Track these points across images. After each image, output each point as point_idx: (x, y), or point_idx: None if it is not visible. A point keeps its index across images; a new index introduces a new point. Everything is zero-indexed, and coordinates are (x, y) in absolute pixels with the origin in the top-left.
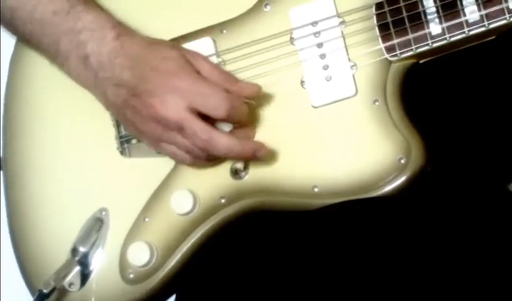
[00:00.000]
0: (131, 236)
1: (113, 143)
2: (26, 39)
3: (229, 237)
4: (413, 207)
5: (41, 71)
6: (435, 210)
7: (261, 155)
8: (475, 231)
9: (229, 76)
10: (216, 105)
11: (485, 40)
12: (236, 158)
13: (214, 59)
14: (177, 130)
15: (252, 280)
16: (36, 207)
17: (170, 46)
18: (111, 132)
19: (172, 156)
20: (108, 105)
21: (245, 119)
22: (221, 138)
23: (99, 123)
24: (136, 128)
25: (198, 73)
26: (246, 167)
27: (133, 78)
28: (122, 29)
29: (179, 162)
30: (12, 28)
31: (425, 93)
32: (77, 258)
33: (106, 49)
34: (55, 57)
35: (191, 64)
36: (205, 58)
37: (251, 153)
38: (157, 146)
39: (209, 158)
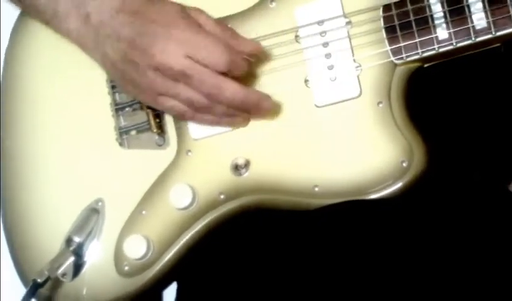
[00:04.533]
0: (127, 228)
1: (112, 134)
2: (20, 2)
3: (227, 234)
4: (413, 208)
5: (39, 59)
6: (436, 211)
7: (266, 107)
8: (475, 232)
9: (231, 31)
10: (216, 57)
11: (491, 47)
12: (239, 107)
13: None
14: (182, 79)
15: (250, 277)
16: (30, 196)
17: (172, 1)
18: (110, 122)
19: (172, 111)
20: (107, 64)
21: (243, 75)
22: (229, 83)
23: (98, 114)
24: (134, 84)
25: (200, 26)
26: (247, 164)
27: (132, 31)
28: None
29: (179, 117)
30: None
31: (428, 96)
32: (72, 248)
33: (107, 6)
34: (52, 18)
35: (192, 17)
36: (207, 14)
37: (256, 102)
38: (156, 101)
39: (209, 110)
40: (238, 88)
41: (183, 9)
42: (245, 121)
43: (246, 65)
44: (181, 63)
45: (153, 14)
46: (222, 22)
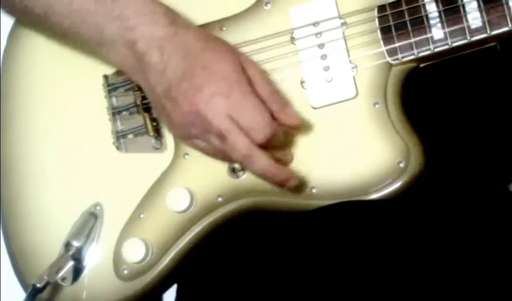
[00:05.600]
0: (126, 232)
1: (109, 138)
2: (63, 34)
3: (226, 236)
4: (412, 208)
5: (36, 64)
6: (435, 211)
7: (292, 185)
8: (475, 232)
9: (279, 98)
10: (258, 129)
11: (487, 46)
12: (266, 179)
13: None
14: (217, 136)
15: (249, 279)
16: (28, 200)
17: (226, 48)
18: (107, 126)
19: (202, 151)
20: (148, 89)
21: (278, 146)
22: (260, 159)
23: (95, 118)
24: (170, 117)
25: (250, 81)
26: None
27: (180, 68)
28: (175, 17)
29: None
30: (47, 26)
31: (424, 96)
32: (71, 253)
33: (158, 35)
34: (98, 46)
35: (244, 71)
36: (258, 68)
37: (283, 180)
38: (187, 141)
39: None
40: (268, 165)
41: (236, 60)
42: None
43: (283, 139)
44: (221, 122)
45: (206, 60)
46: (270, 80)
